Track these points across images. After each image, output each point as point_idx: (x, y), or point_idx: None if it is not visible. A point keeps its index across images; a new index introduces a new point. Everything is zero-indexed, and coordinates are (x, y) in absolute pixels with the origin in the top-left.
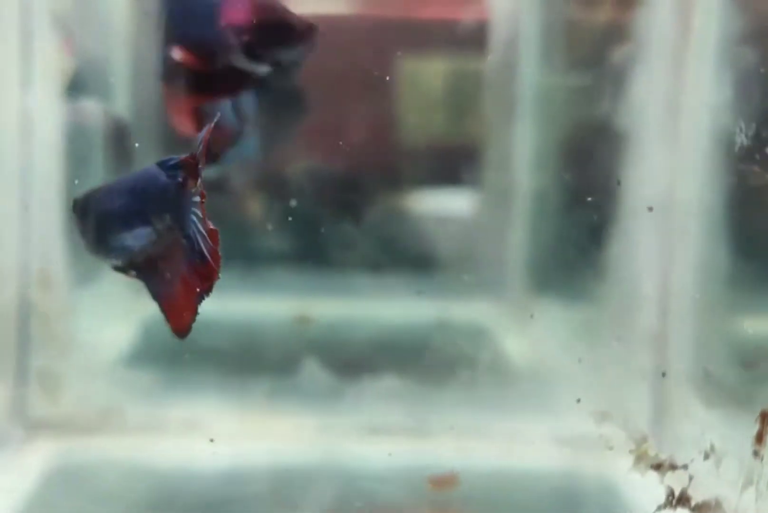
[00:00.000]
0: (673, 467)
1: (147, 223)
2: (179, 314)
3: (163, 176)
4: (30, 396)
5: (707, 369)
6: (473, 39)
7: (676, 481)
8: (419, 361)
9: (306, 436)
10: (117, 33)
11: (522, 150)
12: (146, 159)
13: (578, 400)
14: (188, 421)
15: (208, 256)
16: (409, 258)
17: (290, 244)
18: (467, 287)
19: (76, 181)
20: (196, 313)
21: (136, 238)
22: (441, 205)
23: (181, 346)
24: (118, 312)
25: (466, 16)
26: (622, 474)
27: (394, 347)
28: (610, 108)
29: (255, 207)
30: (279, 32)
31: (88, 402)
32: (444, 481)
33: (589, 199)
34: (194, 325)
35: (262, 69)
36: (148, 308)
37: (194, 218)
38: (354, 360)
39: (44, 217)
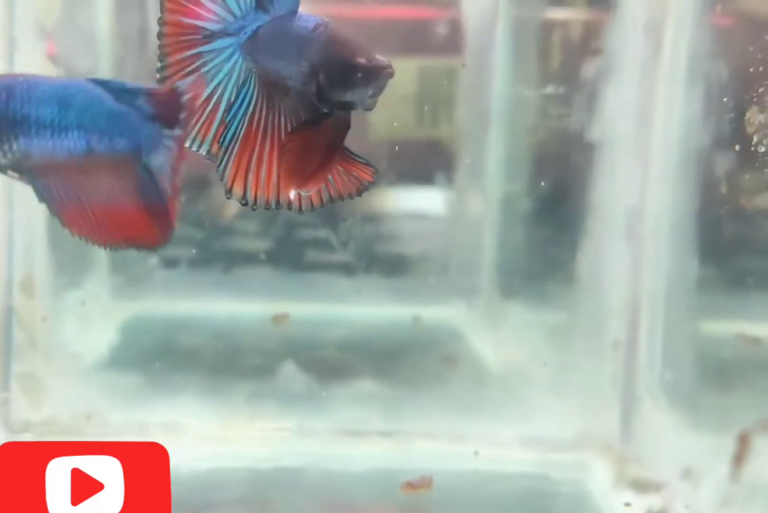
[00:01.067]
0: (645, 482)
1: (80, 139)
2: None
3: (108, 99)
4: (12, 400)
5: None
6: (448, 45)
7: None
8: (394, 364)
9: (284, 439)
10: (102, 44)
11: (495, 156)
12: None
13: (548, 405)
14: (168, 425)
15: (165, 199)
16: (383, 261)
17: (268, 247)
18: (440, 291)
19: None
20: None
21: (54, 149)
22: (414, 209)
23: (161, 349)
24: (99, 317)
25: (441, 22)
26: (592, 477)
27: (368, 349)
28: (582, 119)
29: (232, 209)
30: (354, 73)
31: (69, 406)
32: (418, 484)
33: (560, 206)
34: (173, 327)
35: (329, 109)
36: (129, 312)
37: (165, 152)
38: (330, 363)
39: (27, 224)
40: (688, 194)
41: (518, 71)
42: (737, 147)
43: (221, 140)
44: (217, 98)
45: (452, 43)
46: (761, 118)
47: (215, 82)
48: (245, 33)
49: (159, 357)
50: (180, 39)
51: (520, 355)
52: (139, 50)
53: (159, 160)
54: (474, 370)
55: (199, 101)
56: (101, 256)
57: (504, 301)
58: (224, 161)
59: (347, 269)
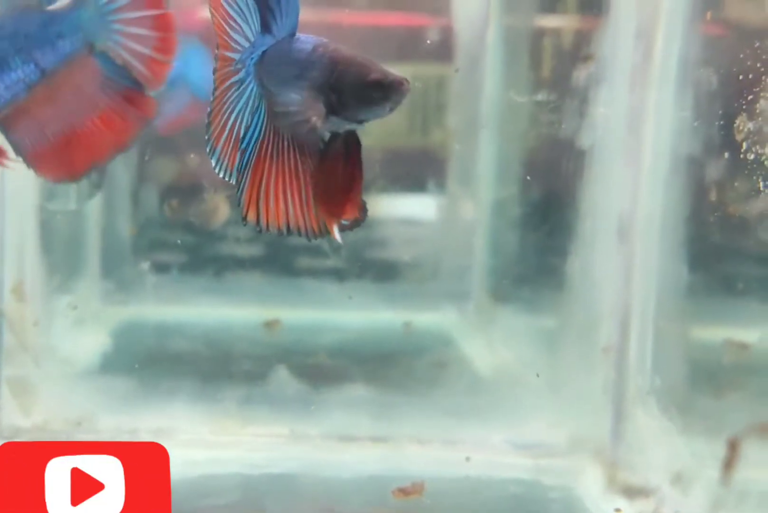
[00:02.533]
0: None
1: (26, 64)
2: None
3: (33, 14)
4: (3, 405)
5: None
6: (440, 52)
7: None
8: (385, 369)
9: (276, 444)
10: None
11: (486, 162)
12: (120, 169)
13: (539, 410)
14: (159, 430)
15: (137, 83)
16: (375, 267)
17: (259, 252)
18: (431, 296)
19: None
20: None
21: (10, 87)
22: (405, 215)
23: (152, 354)
24: (90, 322)
25: (433, 29)
26: (583, 482)
27: (360, 355)
28: (573, 125)
29: (223, 215)
30: (368, 91)
31: (60, 410)
32: (409, 490)
33: (551, 211)
34: (164, 332)
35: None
36: (120, 317)
37: (114, 33)
38: (322, 368)
39: (19, 229)
40: (678, 200)
41: (509, 77)
42: (726, 154)
43: (238, 167)
44: (239, 126)
45: (444, 49)
46: (750, 125)
47: (237, 110)
48: (253, 58)
49: (150, 362)
50: (223, 71)
51: (511, 360)
52: None
53: (112, 42)
54: (465, 376)
55: (227, 130)
56: (92, 260)
57: (495, 306)
58: (240, 188)
59: (339, 275)
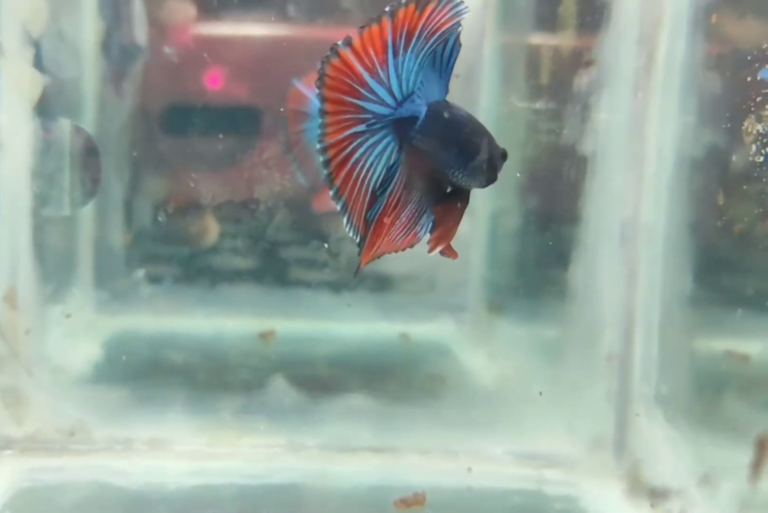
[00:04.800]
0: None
1: None
2: None
3: None
4: None
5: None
6: None
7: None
8: (383, 380)
9: (273, 455)
10: (87, 52)
11: None
12: (114, 175)
13: (541, 420)
14: (154, 440)
15: None
16: (371, 278)
17: (254, 263)
18: (429, 306)
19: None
20: None
21: None
22: None
23: (146, 365)
24: (83, 332)
25: None
26: (586, 492)
27: (357, 366)
28: (575, 132)
29: (214, 230)
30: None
31: (53, 421)
32: (411, 501)
33: (552, 219)
34: (158, 343)
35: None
36: (114, 326)
37: None
38: (318, 380)
39: (12, 236)
40: (682, 207)
41: (509, 84)
42: (734, 157)
43: (366, 217)
44: (369, 179)
45: None
46: (759, 127)
47: (368, 163)
48: (399, 116)
49: (144, 372)
50: (341, 117)
51: (512, 370)
52: None
53: None
54: (465, 386)
55: (349, 182)
56: (85, 270)
57: (493, 316)
58: (363, 240)
59: (334, 286)
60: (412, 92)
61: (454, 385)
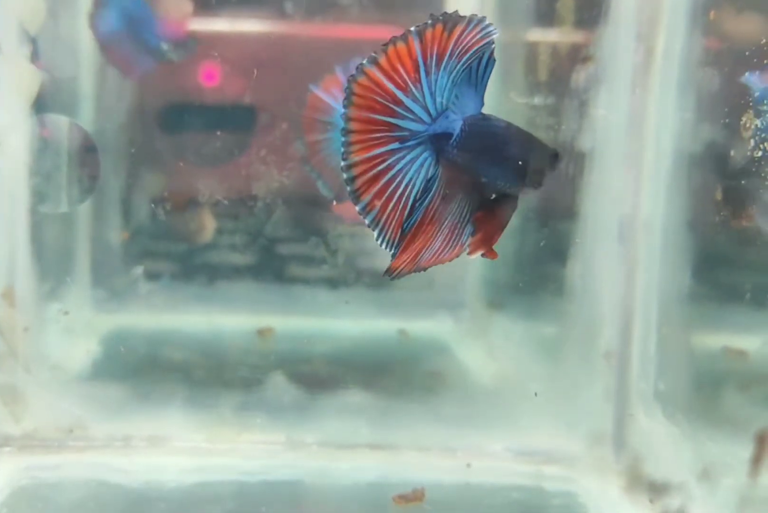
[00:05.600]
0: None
1: None
2: None
3: None
4: None
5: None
6: None
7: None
8: (382, 377)
9: (272, 451)
10: (85, 49)
11: None
12: (111, 172)
13: (540, 416)
14: (153, 437)
15: None
16: (369, 275)
17: (252, 260)
18: (427, 303)
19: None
20: None
21: None
22: None
23: (145, 362)
24: (81, 329)
25: None
26: (585, 488)
27: (355, 363)
28: (573, 128)
29: (210, 226)
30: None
31: (51, 418)
32: (410, 497)
33: (549, 216)
34: (156, 340)
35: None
36: (112, 324)
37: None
38: (316, 376)
39: (9, 234)
40: (681, 203)
41: (508, 79)
42: (732, 152)
43: (404, 228)
44: (408, 194)
45: None
46: (758, 122)
47: (407, 179)
48: (435, 131)
49: (142, 369)
50: (370, 136)
51: (510, 367)
52: None
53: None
54: (463, 383)
55: (383, 198)
56: (83, 267)
57: (491, 313)
58: (396, 251)
59: (333, 283)
60: (446, 108)
61: (453, 381)
